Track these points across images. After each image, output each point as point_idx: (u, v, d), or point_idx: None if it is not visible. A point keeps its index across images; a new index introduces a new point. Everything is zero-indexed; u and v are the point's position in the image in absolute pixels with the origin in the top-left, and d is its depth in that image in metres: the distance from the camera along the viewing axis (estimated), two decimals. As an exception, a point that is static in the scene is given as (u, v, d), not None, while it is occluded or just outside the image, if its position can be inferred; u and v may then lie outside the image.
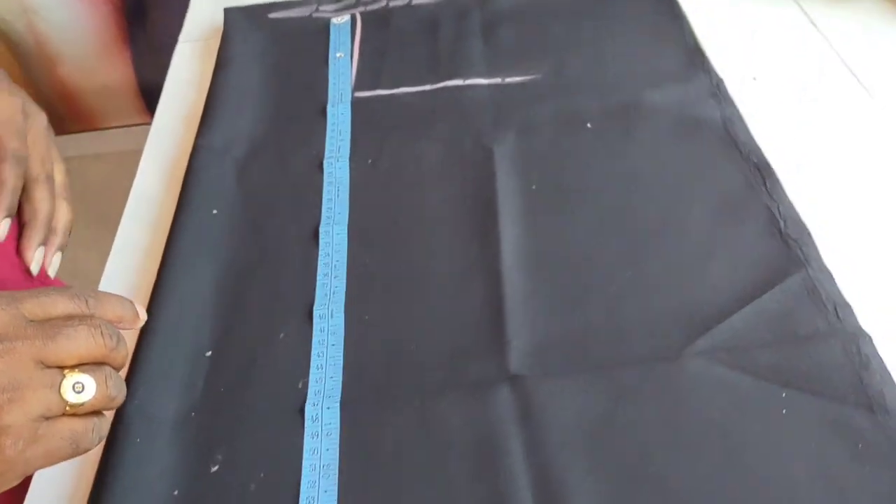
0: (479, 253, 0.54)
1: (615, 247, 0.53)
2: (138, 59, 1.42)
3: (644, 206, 0.56)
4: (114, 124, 1.52)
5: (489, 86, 0.67)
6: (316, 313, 0.52)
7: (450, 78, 0.69)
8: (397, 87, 0.69)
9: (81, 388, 0.35)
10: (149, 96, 1.41)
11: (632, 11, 0.71)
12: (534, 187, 0.58)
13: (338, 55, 0.73)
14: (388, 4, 0.77)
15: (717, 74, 0.64)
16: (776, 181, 0.55)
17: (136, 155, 0.67)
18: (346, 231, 0.57)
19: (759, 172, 0.55)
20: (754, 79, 0.64)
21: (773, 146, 0.57)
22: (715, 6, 0.71)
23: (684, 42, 0.68)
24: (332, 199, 0.60)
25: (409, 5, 0.77)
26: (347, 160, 0.62)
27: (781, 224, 0.52)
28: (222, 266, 0.56)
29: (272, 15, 0.78)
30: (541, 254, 0.54)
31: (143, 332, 0.51)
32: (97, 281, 0.57)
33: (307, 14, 0.78)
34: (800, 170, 0.56)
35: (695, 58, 0.66)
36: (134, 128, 1.46)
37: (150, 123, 0.71)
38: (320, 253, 0.56)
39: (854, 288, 0.48)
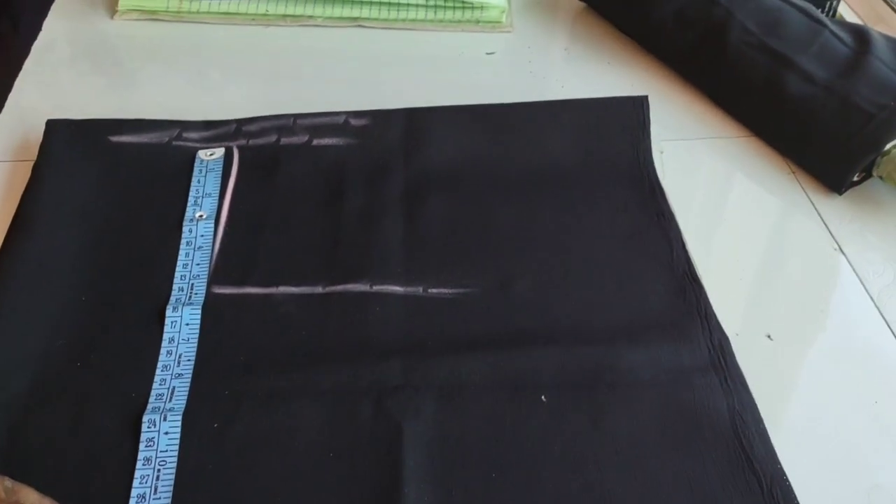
0: None
1: None
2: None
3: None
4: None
5: (405, 297, 0.48)
6: None
7: (352, 278, 0.48)
8: (275, 283, 0.48)
9: None
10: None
11: (607, 202, 0.53)
12: (457, 510, 0.38)
13: (198, 215, 0.52)
14: (279, 140, 0.57)
15: (719, 327, 0.46)
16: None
17: None
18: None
19: (789, 530, 0.38)
20: (769, 337, 0.46)
21: (800, 457, 0.40)
22: (718, 224, 0.54)
23: (673, 263, 0.49)
24: (145, 493, 0.38)
25: (308, 145, 0.56)
26: (180, 420, 0.41)
27: None
28: None
29: (116, 138, 0.56)
30: None
31: None
32: None
33: (165, 140, 0.56)
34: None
35: (687, 291, 0.48)
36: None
37: None
38: None
39: None
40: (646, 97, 0.58)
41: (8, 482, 0.34)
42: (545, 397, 0.42)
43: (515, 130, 0.57)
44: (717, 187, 0.56)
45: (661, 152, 0.56)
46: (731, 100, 0.60)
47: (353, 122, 0.57)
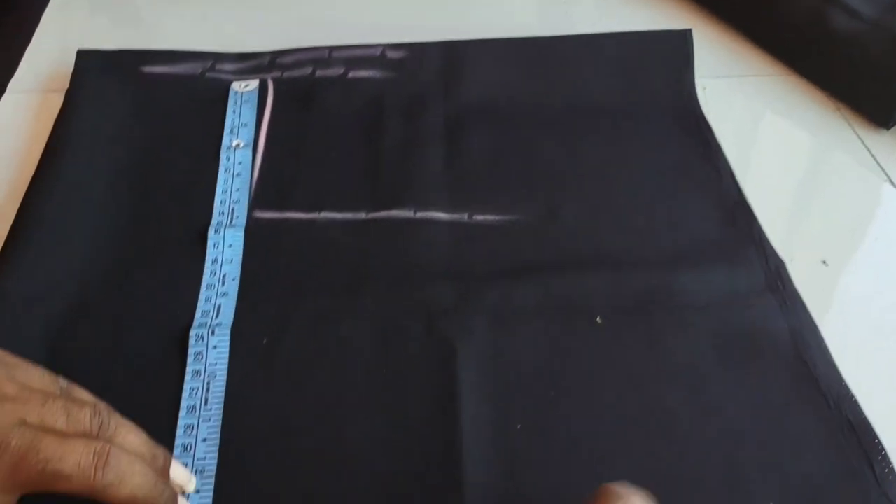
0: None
1: None
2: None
3: (680, 468, 0.36)
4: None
5: (450, 224, 0.46)
6: None
7: (395, 205, 0.47)
8: (317, 209, 0.47)
9: None
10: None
11: (652, 134, 0.52)
12: (518, 427, 0.37)
13: (234, 143, 0.50)
14: (314, 73, 0.55)
15: (774, 252, 0.45)
16: (887, 463, 0.36)
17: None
18: (214, 476, 0.35)
19: (860, 445, 0.37)
20: (824, 263, 0.45)
21: (863, 376, 0.39)
22: (764, 160, 0.52)
23: (723, 192, 0.48)
24: (195, 405, 0.37)
25: (344, 78, 0.55)
26: (228, 334, 0.40)
27: None
28: None
29: (147, 68, 0.54)
30: None
31: None
32: None
33: (198, 72, 0.55)
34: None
35: (739, 219, 0.47)
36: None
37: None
38: None
39: None
40: (689, 30, 0.56)
41: (63, 381, 0.32)
42: (600, 319, 0.41)
43: (557, 63, 0.55)
44: (762, 124, 0.55)
45: (704, 89, 0.55)
46: (774, 38, 0.59)
47: (390, 54, 0.56)
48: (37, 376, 0.31)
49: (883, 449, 0.36)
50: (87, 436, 0.29)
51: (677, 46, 0.56)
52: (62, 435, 0.29)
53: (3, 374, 0.30)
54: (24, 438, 0.28)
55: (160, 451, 0.32)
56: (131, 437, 0.31)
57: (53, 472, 0.27)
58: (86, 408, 0.30)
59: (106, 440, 0.30)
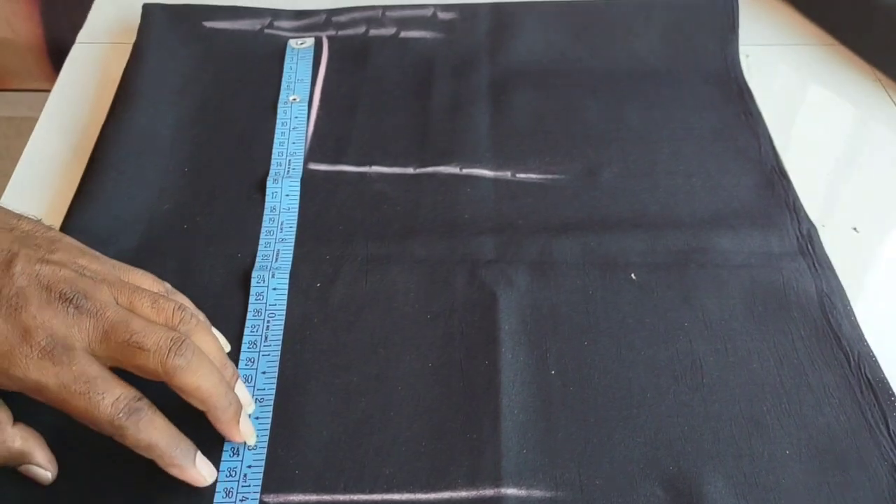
0: (469, 468, 0.36)
1: (666, 477, 0.36)
2: (49, 13, 1.17)
3: (705, 414, 0.38)
4: (14, 86, 1.28)
5: (494, 181, 0.49)
6: None
7: (442, 161, 0.50)
8: (368, 163, 0.49)
9: None
10: (58, 58, 1.18)
11: (694, 99, 0.53)
12: (553, 372, 0.40)
13: (291, 98, 0.53)
14: (367, 32, 0.58)
15: (807, 218, 0.46)
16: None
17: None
18: (272, 406, 0.38)
19: (877, 401, 0.39)
20: (855, 230, 0.47)
21: (887, 339, 0.41)
22: (802, 128, 0.54)
23: (761, 159, 0.50)
24: (255, 340, 0.40)
25: (396, 37, 0.57)
26: (287, 277, 0.43)
27: None
28: None
29: (209, 24, 0.57)
30: (555, 470, 0.36)
31: None
32: None
33: (257, 28, 0.57)
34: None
35: (776, 184, 0.48)
36: (38, 93, 1.23)
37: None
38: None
39: None
40: (735, -3, 0.58)
41: (167, 285, 0.37)
42: (635, 276, 0.44)
43: (603, 27, 0.57)
44: (802, 92, 0.56)
45: (748, 56, 0.56)
46: (818, 7, 0.60)
47: (441, 15, 0.58)
48: (139, 275, 0.37)
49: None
50: (169, 326, 0.34)
51: (723, 13, 0.57)
52: (150, 321, 0.34)
53: (110, 271, 0.35)
54: (119, 314, 0.33)
55: (231, 366, 0.36)
56: (208, 339, 0.36)
57: (136, 344, 0.32)
58: (171, 302, 0.35)
59: (184, 333, 0.34)
